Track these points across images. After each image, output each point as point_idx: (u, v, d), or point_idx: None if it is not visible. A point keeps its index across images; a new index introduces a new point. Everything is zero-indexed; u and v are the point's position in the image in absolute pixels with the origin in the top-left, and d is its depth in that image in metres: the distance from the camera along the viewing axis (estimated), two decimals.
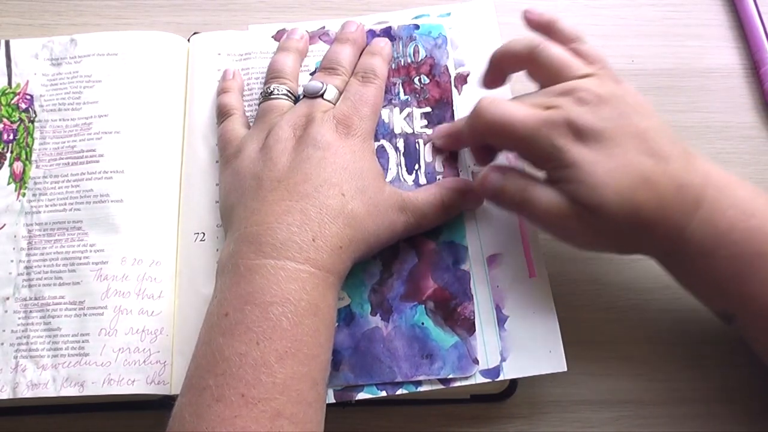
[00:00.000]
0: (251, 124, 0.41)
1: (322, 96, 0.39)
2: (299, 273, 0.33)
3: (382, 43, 0.43)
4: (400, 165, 0.41)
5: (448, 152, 0.41)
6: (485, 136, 0.37)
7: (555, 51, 0.37)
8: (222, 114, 0.42)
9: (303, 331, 0.32)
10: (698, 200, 0.33)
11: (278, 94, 0.41)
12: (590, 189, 0.33)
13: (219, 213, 0.39)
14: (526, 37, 0.38)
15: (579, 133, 0.34)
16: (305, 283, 0.33)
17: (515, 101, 0.37)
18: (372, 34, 0.44)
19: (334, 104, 0.39)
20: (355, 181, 0.36)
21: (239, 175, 0.37)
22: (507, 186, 0.36)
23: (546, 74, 0.37)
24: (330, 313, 0.34)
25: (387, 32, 0.44)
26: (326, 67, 0.42)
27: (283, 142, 0.37)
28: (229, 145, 0.40)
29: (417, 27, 0.44)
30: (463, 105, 0.42)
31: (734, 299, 0.34)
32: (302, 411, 0.31)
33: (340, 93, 0.40)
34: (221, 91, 0.43)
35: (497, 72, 0.40)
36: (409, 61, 0.43)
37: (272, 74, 0.42)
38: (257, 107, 0.41)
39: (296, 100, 0.41)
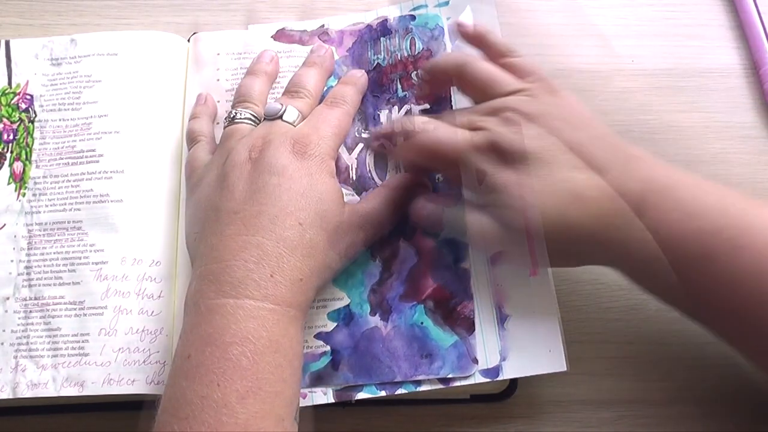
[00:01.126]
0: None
1: (281, 117, 0.38)
2: (258, 311, 0.32)
3: (359, 74, 0.42)
4: (399, 167, 0.41)
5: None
6: (418, 160, 0.37)
7: (482, 67, 0.37)
8: (190, 140, 0.42)
9: (264, 368, 0.31)
10: (638, 207, 0.33)
11: (241, 119, 0.40)
12: (517, 213, 0.33)
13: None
14: (454, 53, 0.38)
15: (504, 155, 0.34)
16: (264, 320, 0.32)
17: (445, 121, 0.36)
18: (369, 29, 0.44)
19: (295, 126, 0.38)
20: (313, 207, 0.35)
21: (199, 207, 0.37)
22: (443, 216, 0.37)
23: (475, 91, 0.37)
24: (293, 347, 0.33)
25: (383, 25, 0.44)
26: (290, 90, 0.41)
27: (239, 167, 0.36)
28: (193, 173, 0.39)
29: (413, 18, 0.44)
30: (462, 100, 0.42)
31: (688, 303, 0.34)
32: None
33: (303, 115, 0.39)
34: (191, 116, 0.43)
35: (432, 87, 0.40)
36: (405, 54, 0.43)
37: (238, 98, 0.41)
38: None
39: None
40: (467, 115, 0.36)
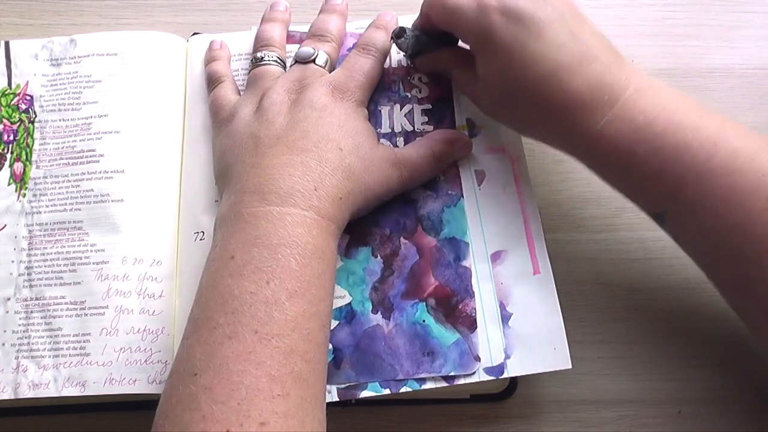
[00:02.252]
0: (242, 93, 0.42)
1: (313, 61, 0.40)
2: (305, 218, 0.34)
3: (389, 17, 0.43)
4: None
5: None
6: (434, 22, 0.39)
7: None
8: (212, 81, 0.43)
9: (310, 272, 0.33)
10: (613, 98, 0.33)
11: (269, 60, 0.41)
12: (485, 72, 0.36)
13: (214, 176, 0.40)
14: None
15: (509, 14, 0.35)
16: (311, 228, 0.34)
17: None
18: None
19: (325, 69, 0.40)
20: (350, 137, 0.37)
21: (235, 136, 0.38)
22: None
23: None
24: (332, 259, 0.35)
25: None
26: (315, 35, 0.42)
27: (279, 104, 0.38)
28: (222, 109, 0.40)
29: None
30: (465, 102, 0.42)
31: (660, 196, 0.34)
32: (313, 350, 0.32)
33: (330, 59, 0.41)
34: (210, 59, 0.44)
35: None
36: (408, 61, 0.43)
37: (261, 42, 0.43)
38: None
39: (284, 68, 0.42)
40: None
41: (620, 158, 0.34)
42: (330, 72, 0.41)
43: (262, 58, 0.42)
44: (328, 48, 0.41)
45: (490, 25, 0.35)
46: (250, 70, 0.42)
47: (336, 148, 0.36)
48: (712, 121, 0.33)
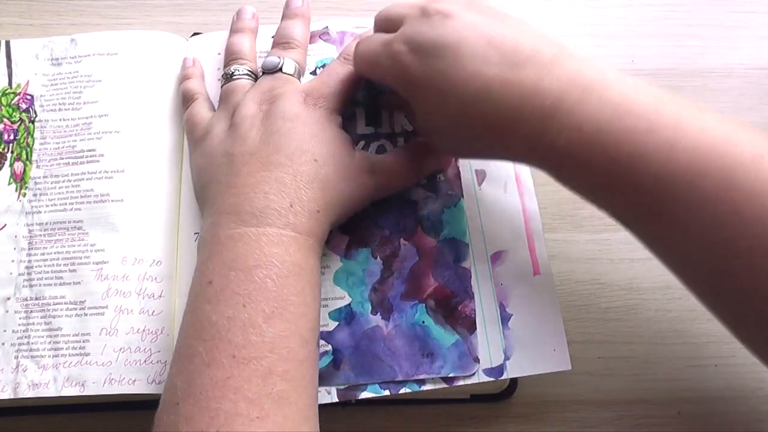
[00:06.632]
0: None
1: (281, 70, 0.40)
2: (281, 237, 0.33)
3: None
4: None
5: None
6: (363, 74, 0.39)
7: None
8: (186, 99, 0.42)
9: (288, 291, 0.32)
10: (556, 105, 0.30)
11: (239, 75, 0.41)
12: (423, 113, 0.35)
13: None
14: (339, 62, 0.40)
15: (419, 50, 0.33)
16: (288, 246, 0.33)
17: (375, 29, 0.38)
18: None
19: (294, 76, 0.40)
20: (325, 147, 0.36)
21: (210, 155, 0.38)
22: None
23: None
24: (314, 273, 0.34)
25: None
26: (280, 42, 0.42)
27: (250, 118, 0.37)
28: (196, 128, 0.40)
29: None
30: None
31: (621, 207, 0.31)
32: (293, 368, 0.31)
33: (299, 65, 0.41)
34: (183, 78, 0.43)
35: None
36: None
37: (230, 56, 0.42)
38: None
39: (257, 79, 0.42)
40: (391, 18, 0.36)
41: (576, 170, 0.31)
42: (300, 77, 0.41)
43: (233, 73, 0.41)
44: (294, 55, 0.41)
45: (406, 69, 0.34)
46: (222, 85, 0.41)
47: (311, 160, 0.36)
48: (669, 117, 0.30)
